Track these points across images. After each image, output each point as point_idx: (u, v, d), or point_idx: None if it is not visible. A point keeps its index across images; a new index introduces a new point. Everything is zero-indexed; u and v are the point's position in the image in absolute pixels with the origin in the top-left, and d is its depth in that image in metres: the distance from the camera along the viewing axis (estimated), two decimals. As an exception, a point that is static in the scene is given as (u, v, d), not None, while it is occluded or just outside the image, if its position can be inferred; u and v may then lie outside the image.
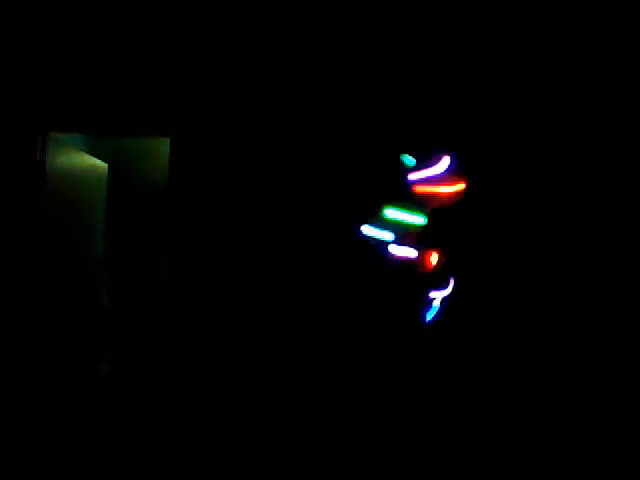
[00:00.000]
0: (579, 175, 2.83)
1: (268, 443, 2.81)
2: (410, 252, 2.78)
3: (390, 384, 2.83)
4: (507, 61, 2.89)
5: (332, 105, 2.96)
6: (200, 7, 3.08)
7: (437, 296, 2.78)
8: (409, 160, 2.82)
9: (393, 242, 2.80)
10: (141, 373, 3.54)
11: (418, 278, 2.79)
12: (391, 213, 2.80)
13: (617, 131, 2.82)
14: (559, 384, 2.76)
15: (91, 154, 3.93)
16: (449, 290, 2.78)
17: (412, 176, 2.81)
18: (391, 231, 2.80)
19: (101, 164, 4.02)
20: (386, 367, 2.82)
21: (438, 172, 2.79)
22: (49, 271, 3.34)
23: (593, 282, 2.79)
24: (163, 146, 3.24)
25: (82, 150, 3.85)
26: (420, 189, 2.79)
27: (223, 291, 2.97)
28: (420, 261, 2.77)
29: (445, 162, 2.78)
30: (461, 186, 2.79)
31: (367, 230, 2.81)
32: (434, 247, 2.79)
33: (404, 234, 2.79)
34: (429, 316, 2.79)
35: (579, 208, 2.83)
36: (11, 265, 3.15)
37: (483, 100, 2.90)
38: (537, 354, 2.79)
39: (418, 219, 2.79)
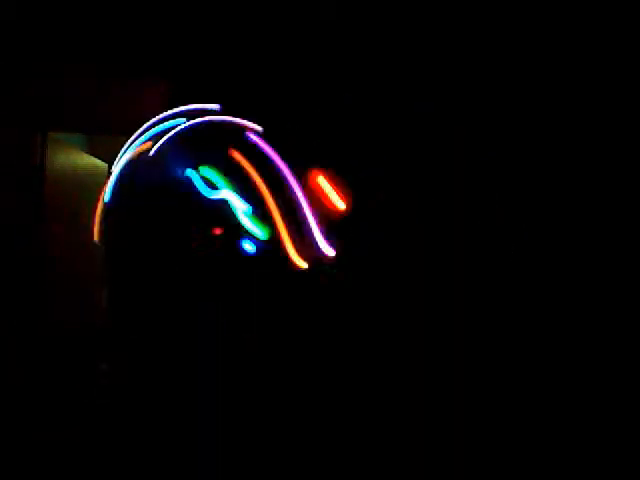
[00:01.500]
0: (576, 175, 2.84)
1: (267, 442, 2.80)
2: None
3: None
4: (505, 59, 2.90)
5: (330, 101, 2.97)
6: (200, 8, 3.09)
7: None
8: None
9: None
10: (141, 373, 3.53)
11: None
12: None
13: (614, 130, 2.82)
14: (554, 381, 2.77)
15: (91, 154, 3.94)
16: None
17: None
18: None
19: (101, 164, 4.02)
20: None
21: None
22: (48, 271, 3.34)
23: (590, 281, 2.79)
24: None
25: (82, 150, 3.85)
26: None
27: (223, 289, 2.97)
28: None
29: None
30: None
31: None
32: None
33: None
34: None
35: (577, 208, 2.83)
36: (11, 265, 3.15)
37: (486, 100, 2.90)
38: (534, 354, 2.79)
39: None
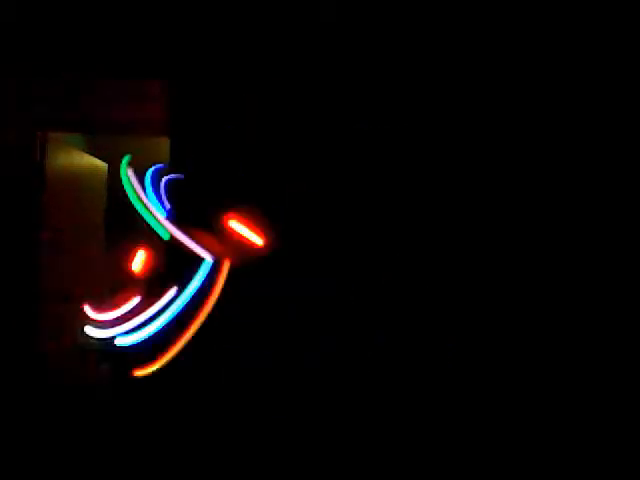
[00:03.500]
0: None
1: (266, 442, 2.81)
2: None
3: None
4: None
5: (330, 102, 2.97)
6: (200, 8, 3.09)
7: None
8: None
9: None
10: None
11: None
12: None
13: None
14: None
15: (91, 154, 3.94)
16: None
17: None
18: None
19: (101, 164, 4.02)
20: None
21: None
22: (49, 271, 3.34)
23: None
24: (163, 146, 3.24)
25: (82, 150, 3.86)
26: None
27: (222, 290, 2.97)
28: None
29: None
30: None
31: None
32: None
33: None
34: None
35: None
36: (11, 265, 3.15)
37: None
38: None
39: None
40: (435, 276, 2.85)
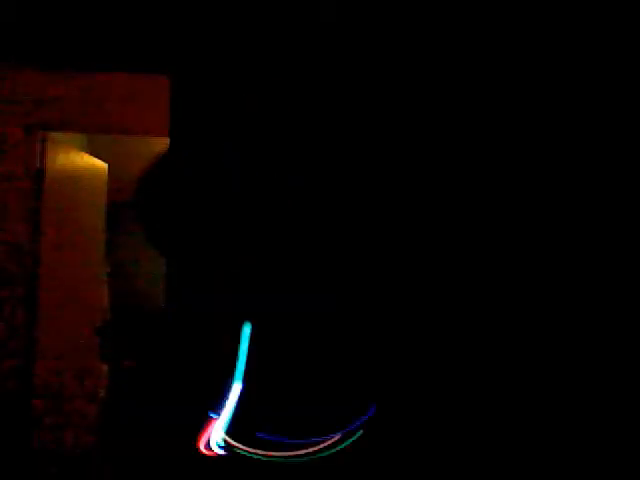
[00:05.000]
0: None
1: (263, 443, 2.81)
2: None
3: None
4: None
5: (330, 102, 2.97)
6: (200, 6, 3.09)
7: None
8: None
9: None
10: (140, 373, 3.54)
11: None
12: None
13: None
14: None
15: (91, 154, 3.94)
16: None
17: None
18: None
19: (101, 164, 4.02)
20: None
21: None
22: (48, 271, 3.34)
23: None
24: (163, 146, 3.25)
25: (82, 150, 3.86)
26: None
27: (224, 290, 2.97)
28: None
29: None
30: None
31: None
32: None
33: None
34: None
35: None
36: (9, 265, 3.15)
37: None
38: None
39: None
40: (435, 279, 2.85)
